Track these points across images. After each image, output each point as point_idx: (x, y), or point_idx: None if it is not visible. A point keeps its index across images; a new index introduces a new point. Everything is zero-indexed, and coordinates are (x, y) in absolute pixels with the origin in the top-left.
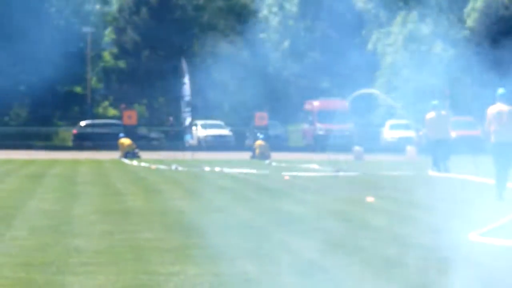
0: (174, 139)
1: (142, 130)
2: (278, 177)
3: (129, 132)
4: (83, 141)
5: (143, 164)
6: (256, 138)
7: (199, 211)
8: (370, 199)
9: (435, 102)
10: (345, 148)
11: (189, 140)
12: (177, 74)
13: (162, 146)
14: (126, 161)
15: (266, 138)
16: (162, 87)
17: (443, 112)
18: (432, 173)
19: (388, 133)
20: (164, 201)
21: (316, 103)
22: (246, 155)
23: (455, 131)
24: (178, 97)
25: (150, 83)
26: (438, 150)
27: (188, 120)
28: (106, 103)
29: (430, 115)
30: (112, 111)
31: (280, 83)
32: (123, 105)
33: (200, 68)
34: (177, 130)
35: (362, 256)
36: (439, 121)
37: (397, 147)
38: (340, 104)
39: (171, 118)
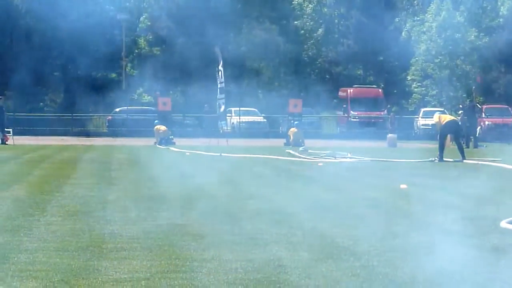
0: (209, 125)
1: (177, 117)
2: (312, 164)
3: (164, 118)
4: (117, 127)
5: (177, 150)
6: (290, 125)
7: (233, 197)
8: (403, 186)
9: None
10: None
11: (223, 126)
12: (212, 61)
13: (197, 133)
14: (161, 147)
15: (300, 125)
16: (197, 74)
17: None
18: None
19: (422, 121)
20: (198, 187)
21: (350, 90)
22: (280, 142)
23: (489, 119)
24: (213, 84)
25: (185, 69)
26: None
27: (222, 107)
28: (141, 89)
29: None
30: (146, 98)
31: (314, 70)
32: (157, 92)
33: (234, 55)
34: (212, 116)
35: (394, 243)
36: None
37: (431, 135)
38: (374, 91)
39: (206, 105)
